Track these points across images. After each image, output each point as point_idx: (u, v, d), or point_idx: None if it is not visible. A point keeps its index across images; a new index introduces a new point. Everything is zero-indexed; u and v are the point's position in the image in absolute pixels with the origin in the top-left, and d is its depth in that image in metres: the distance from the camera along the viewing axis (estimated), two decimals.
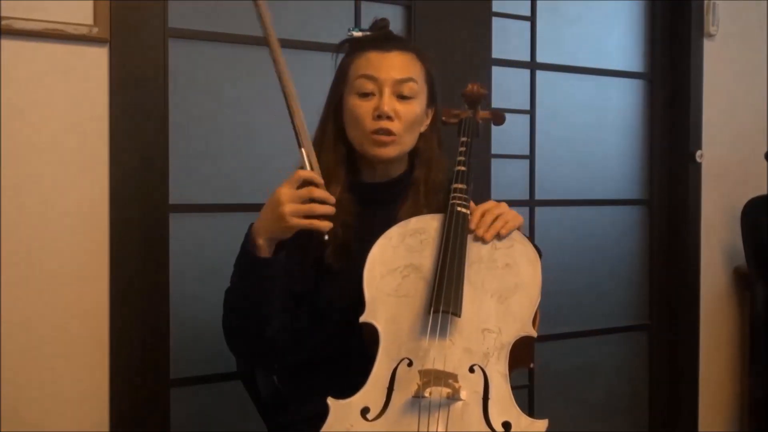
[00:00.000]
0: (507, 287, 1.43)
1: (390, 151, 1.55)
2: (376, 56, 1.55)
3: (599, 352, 2.86)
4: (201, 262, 2.12)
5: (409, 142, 1.59)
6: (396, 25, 2.34)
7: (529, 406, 2.66)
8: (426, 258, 1.45)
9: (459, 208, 1.48)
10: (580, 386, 2.82)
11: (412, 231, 1.48)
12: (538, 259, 1.47)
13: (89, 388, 1.94)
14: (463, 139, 1.62)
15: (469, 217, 1.49)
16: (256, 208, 2.10)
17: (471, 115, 1.68)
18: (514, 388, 1.39)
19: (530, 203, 2.69)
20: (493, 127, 2.50)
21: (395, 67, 1.54)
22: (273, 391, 1.77)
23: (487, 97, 1.74)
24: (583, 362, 2.82)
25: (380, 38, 1.59)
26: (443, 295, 1.38)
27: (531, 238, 2.67)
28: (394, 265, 1.45)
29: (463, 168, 1.56)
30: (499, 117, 1.75)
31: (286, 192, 1.41)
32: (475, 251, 1.46)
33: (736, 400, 3.04)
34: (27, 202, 1.86)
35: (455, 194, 1.51)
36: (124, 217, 1.95)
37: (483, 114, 1.74)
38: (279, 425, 1.69)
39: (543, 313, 1.61)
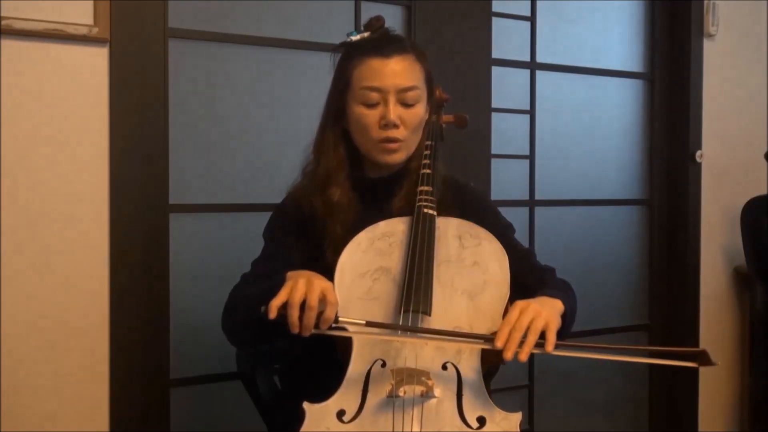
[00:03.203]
0: (476, 285, 1.46)
1: (398, 157, 1.59)
2: (378, 63, 1.56)
3: None
4: (201, 262, 2.12)
5: (414, 143, 1.62)
6: (396, 25, 2.35)
7: (529, 406, 2.66)
8: (395, 260, 1.47)
9: (426, 210, 1.51)
10: (580, 386, 2.82)
11: (380, 235, 1.50)
12: (506, 256, 1.49)
13: (89, 389, 1.94)
14: (428, 142, 1.64)
15: (498, 338, 1.35)
16: (256, 208, 2.13)
17: (435, 119, 1.70)
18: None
19: (530, 203, 2.69)
20: (493, 127, 2.54)
21: (398, 74, 1.55)
22: (273, 391, 1.78)
23: (450, 101, 1.77)
24: (583, 362, 2.81)
25: (379, 41, 1.59)
26: (413, 295, 1.40)
27: (531, 238, 2.68)
28: (364, 269, 1.46)
29: (428, 171, 1.59)
30: (462, 120, 1.79)
31: (327, 286, 1.37)
32: (443, 251, 1.49)
33: (736, 400, 3.04)
34: (27, 202, 1.86)
35: (421, 196, 1.54)
36: (124, 216, 1.95)
37: (446, 118, 1.77)
38: (279, 425, 1.70)
39: None
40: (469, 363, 1.40)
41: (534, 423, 2.67)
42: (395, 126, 1.55)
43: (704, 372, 2.93)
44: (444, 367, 1.39)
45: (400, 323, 1.40)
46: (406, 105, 1.56)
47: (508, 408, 1.40)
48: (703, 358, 1.34)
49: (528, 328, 1.34)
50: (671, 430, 2.95)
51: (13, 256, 1.85)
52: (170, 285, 2.03)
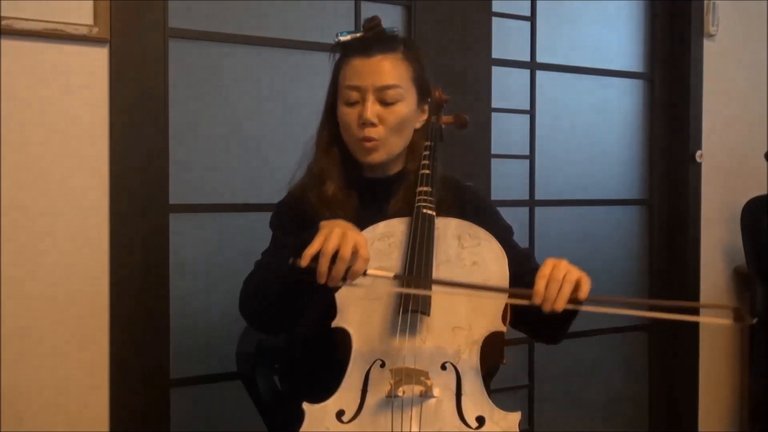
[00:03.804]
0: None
1: (377, 156, 1.59)
2: (360, 63, 1.57)
3: (599, 352, 2.86)
4: (201, 261, 2.12)
5: (397, 144, 1.61)
6: (396, 25, 2.35)
7: (529, 406, 2.66)
8: (395, 260, 1.48)
9: (425, 210, 1.52)
10: (580, 386, 2.82)
11: (380, 235, 1.51)
12: (505, 256, 1.50)
13: (89, 389, 1.94)
14: (427, 143, 1.65)
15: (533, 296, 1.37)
16: (256, 208, 2.13)
17: (434, 119, 1.70)
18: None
19: (530, 203, 2.69)
20: (493, 127, 2.54)
21: (377, 73, 1.56)
22: (273, 391, 1.78)
23: (450, 102, 1.77)
24: (583, 362, 2.82)
25: (366, 42, 1.60)
26: (412, 295, 1.40)
27: (531, 238, 2.68)
28: None
29: (427, 171, 1.59)
30: (462, 120, 1.79)
31: (361, 240, 1.35)
32: (442, 251, 1.49)
33: (736, 400, 3.04)
34: (27, 202, 1.86)
35: (420, 197, 1.54)
36: (124, 216, 1.95)
37: (446, 118, 1.78)
38: (279, 425, 1.70)
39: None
40: (469, 363, 1.40)
41: (534, 423, 2.67)
42: (372, 124, 1.55)
43: (704, 372, 2.94)
44: (443, 367, 1.39)
45: (399, 324, 1.40)
46: (385, 103, 1.56)
47: (508, 408, 1.40)
48: (737, 314, 1.30)
49: (563, 279, 1.37)
50: (671, 430, 2.95)
51: (12, 256, 1.85)
52: (170, 285, 2.03)
